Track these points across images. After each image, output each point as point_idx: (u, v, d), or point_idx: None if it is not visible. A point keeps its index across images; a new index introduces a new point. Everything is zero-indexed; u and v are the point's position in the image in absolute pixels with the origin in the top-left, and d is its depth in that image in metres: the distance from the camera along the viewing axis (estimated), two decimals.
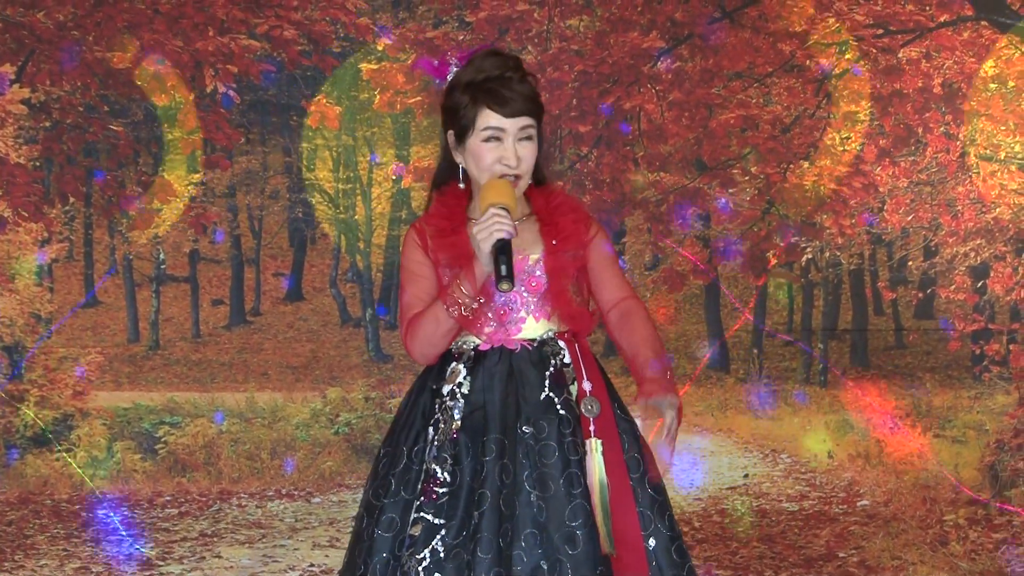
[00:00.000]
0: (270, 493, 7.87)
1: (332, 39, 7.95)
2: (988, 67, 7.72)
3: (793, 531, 7.40)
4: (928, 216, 7.82)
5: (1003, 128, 7.71)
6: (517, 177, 3.71)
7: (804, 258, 7.96)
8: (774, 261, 7.94)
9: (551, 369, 3.72)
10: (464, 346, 3.74)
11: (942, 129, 7.76)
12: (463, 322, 3.66)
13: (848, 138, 7.83)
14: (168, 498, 7.83)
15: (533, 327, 3.74)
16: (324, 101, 8.03)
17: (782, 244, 7.89)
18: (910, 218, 7.83)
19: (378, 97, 7.99)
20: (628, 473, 3.69)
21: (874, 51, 7.72)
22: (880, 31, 7.74)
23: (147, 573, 7.15)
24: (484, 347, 3.73)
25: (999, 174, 7.72)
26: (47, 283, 8.10)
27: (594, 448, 3.67)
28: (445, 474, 3.65)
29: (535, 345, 3.73)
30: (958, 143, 7.75)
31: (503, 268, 3.55)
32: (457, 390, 3.72)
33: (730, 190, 7.86)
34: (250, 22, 7.88)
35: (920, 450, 7.70)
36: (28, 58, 7.87)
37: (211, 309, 8.31)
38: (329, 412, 8.06)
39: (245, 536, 7.50)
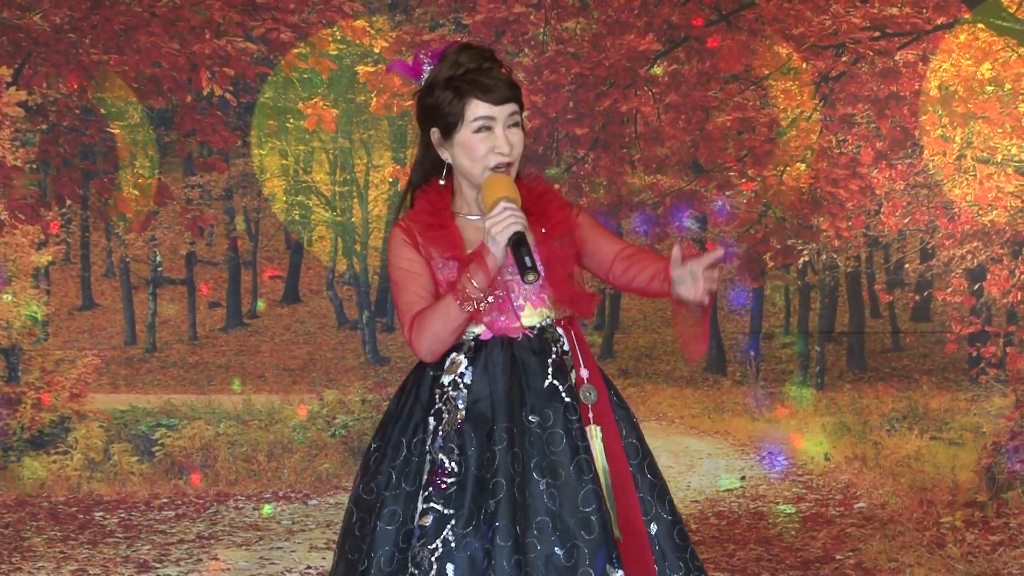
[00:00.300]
0: (267, 495, 7.87)
1: (328, 42, 7.95)
2: (985, 70, 7.72)
3: (790, 533, 7.40)
4: (925, 219, 7.82)
5: (1000, 131, 7.72)
6: (509, 165, 3.72)
7: (801, 261, 7.97)
8: (771, 264, 7.95)
9: (553, 357, 3.73)
10: (464, 337, 3.74)
11: (939, 132, 7.76)
12: (476, 316, 3.66)
13: (845, 141, 7.83)
14: (165, 500, 7.83)
15: (532, 314, 3.75)
16: (321, 104, 8.04)
17: (778, 246, 7.89)
18: (907, 221, 7.83)
19: (375, 100, 7.99)
20: (628, 459, 3.71)
21: (871, 54, 7.73)
22: (877, 34, 7.75)
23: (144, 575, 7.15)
24: (485, 337, 3.74)
25: (996, 177, 7.73)
26: (44, 285, 8.10)
27: (594, 435, 3.69)
28: (452, 464, 3.66)
29: (535, 333, 3.74)
30: (955, 146, 7.75)
31: (527, 260, 3.56)
32: (459, 380, 3.72)
33: (727, 193, 7.87)
34: (247, 25, 7.88)
35: (917, 452, 7.70)
36: (25, 61, 7.87)
37: (208, 311, 8.31)
38: (326, 414, 8.06)
39: (242, 538, 7.50)
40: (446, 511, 3.64)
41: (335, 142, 8.24)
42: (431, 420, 3.72)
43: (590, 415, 3.70)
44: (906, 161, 7.80)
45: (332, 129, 8.07)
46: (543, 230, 3.75)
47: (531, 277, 3.57)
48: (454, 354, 3.74)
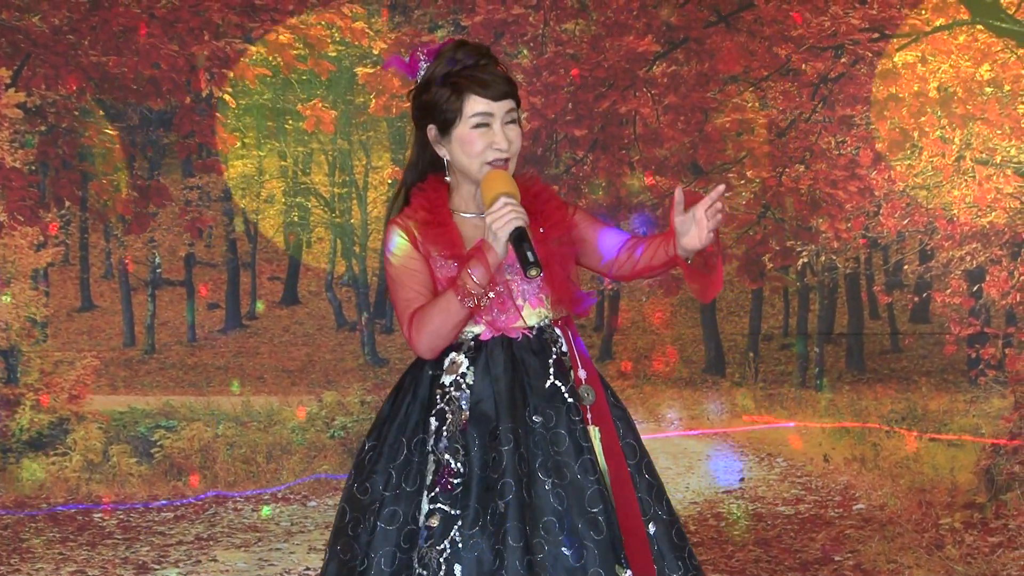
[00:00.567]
0: (266, 497, 7.87)
1: (328, 43, 7.95)
2: (984, 71, 7.72)
3: (789, 535, 7.40)
4: (924, 220, 7.82)
5: (999, 132, 7.72)
6: (507, 161, 3.72)
7: (800, 262, 7.97)
8: (770, 265, 7.95)
9: (553, 357, 3.73)
10: (463, 336, 3.74)
11: (938, 133, 7.76)
12: (477, 312, 3.66)
13: (844, 142, 7.83)
14: (164, 502, 7.83)
15: (530, 314, 3.75)
16: (320, 105, 8.04)
17: (777, 248, 7.89)
18: (906, 222, 7.83)
19: (374, 101, 7.99)
20: (626, 459, 3.71)
21: (870, 55, 7.73)
22: (876, 35, 7.75)
23: None
24: (485, 337, 3.73)
25: (995, 178, 7.73)
26: (43, 287, 8.10)
27: (593, 436, 3.69)
28: (458, 464, 3.65)
29: (535, 333, 3.74)
30: (954, 147, 7.75)
31: (529, 255, 3.56)
32: (462, 380, 3.72)
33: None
34: (246, 26, 7.88)
35: (916, 454, 7.70)
36: (23, 62, 7.87)
37: (207, 313, 8.31)
38: (325, 416, 8.06)
39: (241, 540, 7.50)
40: (453, 512, 3.63)
41: (334, 143, 8.24)
42: (432, 420, 3.71)
43: (588, 416, 3.70)
44: (905, 162, 7.80)
45: (331, 131, 8.08)
46: (541, 229, 3.75)
47: (533, 272, 3.57)
48: (453, 354, 3.74)
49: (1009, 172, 7.72)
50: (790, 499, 7.67)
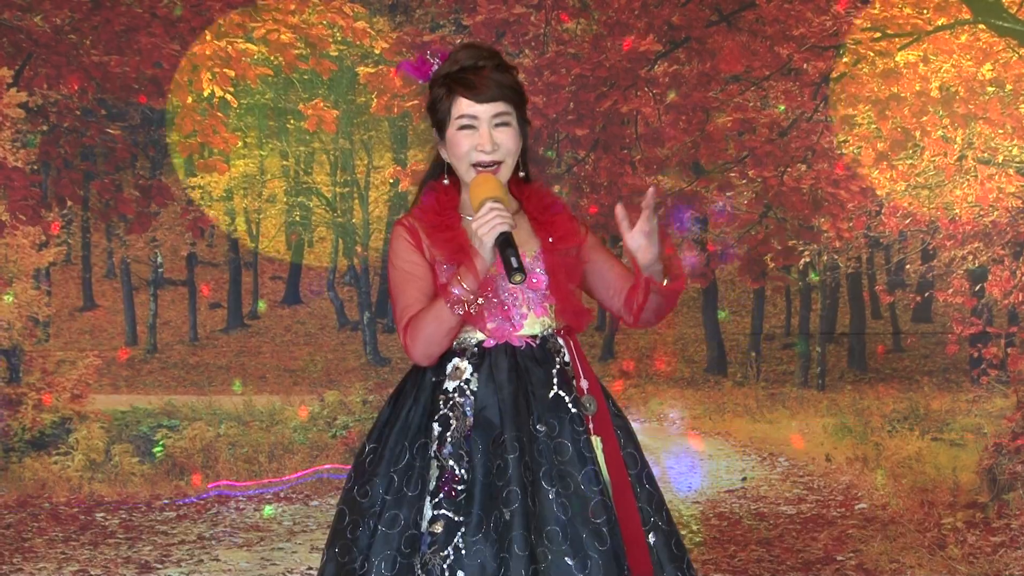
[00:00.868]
0: (268, 496, 7.87)
1: (329, 43, 7.95)
2: (986, 70, 7.72)
3: (791, 534, 7.40)
4: (926, 220, 7.82)
5: (1001, 131, 7.71)
6: (497, 164, 3.71)
7: (802, 262, 7.96)
8: (772, 265, 7.95)
9: (557, 367, 3.72)
10: (466, 343, 3.73)
11: (940, 133, 7.76)
12: (468, 318, 3.65)
13: (846, 141, 7.83)
14: (166, 501, 7.83)
15: (534, 323, 3.74)
16: (321, 105, 8.04)
17: (779, 247, 7.89)
18: (908, 221, 7.83)
19: (375, 101, 7.99)
20: (627, 469, 3.71)
21: (871, 55, 7.73)
22: (877, 34, 7.74)
23: None
24: (488, 344, 3.73)
25: (997, 177, 7.72)
26: (45, 287, 8.11)
27: (596, 446, 3.68)
28: (462, 471, 3.65)
29: (538, 342, 3.73)
30: (956, 147, 7.75)
31: (513, 261, 3.55)
32: (465, 387, 3.71)
33: (727, 194, 7.87)
34: (247, 26, 7.88)
35: (918, 453, 7.70)
36: (25, 62, 7.87)
37: (208, 312, 8.32)
38: (327, 415, 8.06)
39: (243, 539, 7.50)
40: (456, 518, 3.62)
41: (336, 143, 8.24)
42: (435, 426, 3.70)
43: (591, 426, 3.69)
44: (907, 162, 7.79)
45: (333, 130, 8.08)
46: (550, 239, 3.74)
47: (517, 278, 3.55)
48: (456, 359, 3.73)
49: (1011, 171, 7.71)
50: (792, 499, 7.67)
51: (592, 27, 7.85)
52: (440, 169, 3.81)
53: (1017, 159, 7.72)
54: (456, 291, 3.61)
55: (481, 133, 3.70)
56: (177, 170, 8.10)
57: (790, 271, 7.99)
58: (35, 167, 7.97)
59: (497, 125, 3.71)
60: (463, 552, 3.59)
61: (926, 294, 7.92)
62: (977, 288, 7.79)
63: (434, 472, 3.68)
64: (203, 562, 7.25)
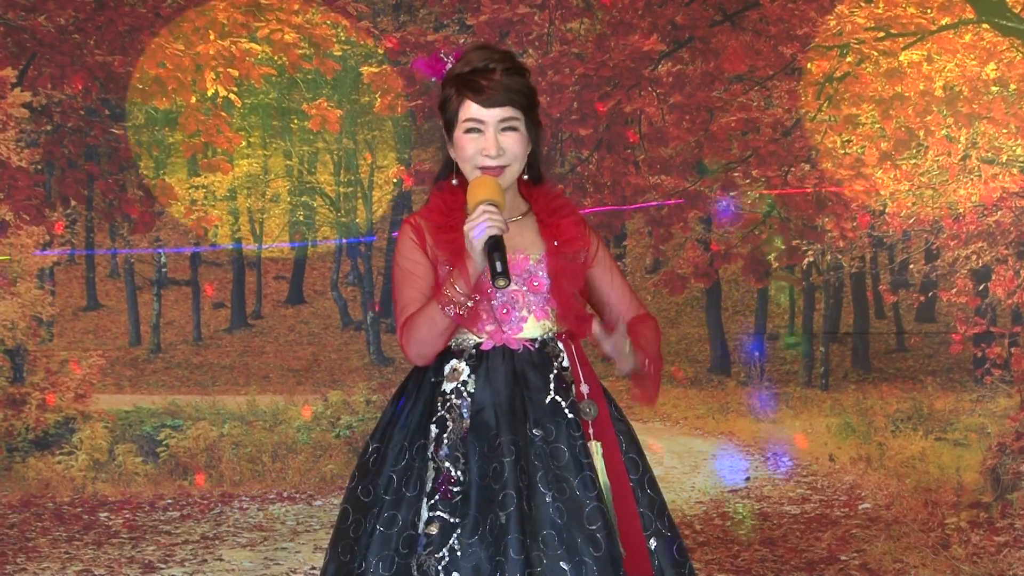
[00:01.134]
0: (271, 496, 7.87)
1: (333, 42, 7.95)
2: (990, 70, 7.72)
3: (795, 534, 7.40)
4: (929, 219, 7.82)
5: (1004, 131, 7.71)
6: (502, 168, 3.70)
7: (805, 261, 7.96)
8: (775, 264, 7.94)
9: (555, 372, 3.72)
10: (464, 344, 3.72)
11: (943, 132, 7.76)
12: (460, 321, 3.64)
13: (849, 141, 7.83)
14: (169, 501, 7.83)
15: (534, 326, 3.73)
16: (325, 104, 8.04)
17: (783, 247, 7.89)
18: (911, 221, 7.82)
19: (379, 100, 7.99)
20: (628, 474, 3.70)
21: (875, 54, 7.72)
22: (881, 34, 7.74)
23: None
24: (486, 346, 3.72)
25: (1000, 177, 7.72)
26: (48, 286, 8.11)
27: (595, 451, 3.67)
28: (458, 473, 3.64)
29: (536, 346, 3.73)
30: (959, 146, 7.75)
31: (498, 265, 3.53)
32: (463, 388, 3.70)
33: (731, 193, 7.86)
34: (251, 26, 7.88)
35: (922, 453, 7.69)
36: (29, 62, 7.88)
37: (212, 312, 8.32)
38: (330, 415, 8.06)
39: (247, 539, 7.50)
40: (452, 520, 3.62)
41: (339, 143, 8.24)
42: (433, 427, 3.70)
43: (591, 431, 3.68)
44: (911, 161, 7.79)
45: (336, 130, 8.08)
46: (555, 243, 3.73)
47: (500, 283, 3.54)
48: (454, 361, 3.72)
49: (1015, 171, 7.71)
50: (796, 498, 7.67)
51: (596, 27, 7.85)
52: (450, 169, 3.80)
53: (1021, 159, 7.72)
54: (449, 293, 3.61)
55: (487, 137, 3.69)
56: (180, 170, 8.11)
57: (794, 271, 7.99)
58: (39, 167, 7.98)
59: (504, 130, 3.70)
60: (458, 554, 3.59)
61: (930, 294, 7.92)
62: (981, 288, 7.78)
63: (431, 473, 3.68)
64: (207, 562, 7.25)
